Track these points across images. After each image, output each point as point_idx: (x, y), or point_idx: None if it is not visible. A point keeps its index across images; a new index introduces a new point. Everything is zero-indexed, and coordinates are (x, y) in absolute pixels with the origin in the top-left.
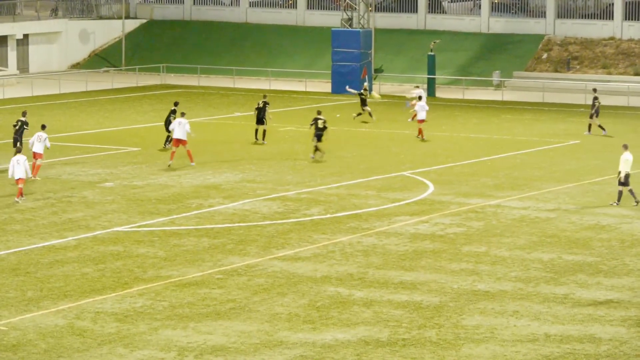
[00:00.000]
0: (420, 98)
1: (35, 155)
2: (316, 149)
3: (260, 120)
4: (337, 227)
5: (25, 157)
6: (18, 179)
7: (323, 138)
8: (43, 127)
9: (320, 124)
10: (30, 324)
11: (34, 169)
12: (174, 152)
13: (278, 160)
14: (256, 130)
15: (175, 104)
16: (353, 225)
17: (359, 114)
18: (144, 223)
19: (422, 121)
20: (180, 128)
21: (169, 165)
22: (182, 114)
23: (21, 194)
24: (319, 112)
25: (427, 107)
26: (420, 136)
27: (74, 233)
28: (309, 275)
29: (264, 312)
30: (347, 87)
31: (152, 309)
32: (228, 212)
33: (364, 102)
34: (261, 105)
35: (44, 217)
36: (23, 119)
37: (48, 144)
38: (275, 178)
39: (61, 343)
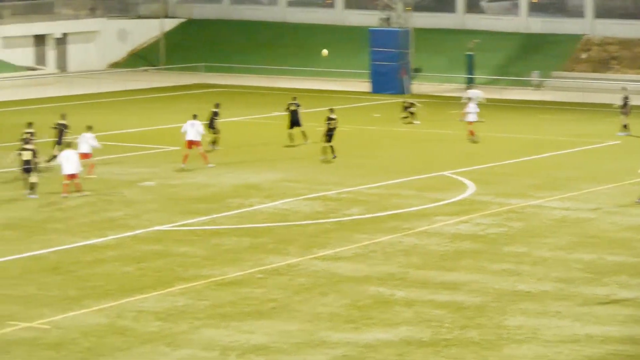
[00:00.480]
0: (470, 99)
1: (83, 157)
2: (325, 150)
3: (296, 122)
4: (377, 226)
5: (75, 152)
6: (69, 175)
7: (333, 139)
8: (89, 127)
9: (332, 125)
10: (72, 322)
11: (89, 168)
12: (187, 155)
13: (317, 160)
14: (289, 133)
15: (217, 106)
16: (393, 225)
17: (406, 117)
18: (185, 222)
19: (471, 122)
20: (192, 129)
21: (182, 168)
22: (194, 116)
23: (78, 190)
24: (331, 111)
25: (477, 109)
26: (472, 137)
27: (114, 232)
28: (350, 275)
29: (306, 311)
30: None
31: (194, 308)
32: (268, 211)
33: (407, 107)
34: (294, 107)
35: (84, 215)
36: (62, 121)
37: (95, 143)
38: (315, 177)
39: (103, 342)
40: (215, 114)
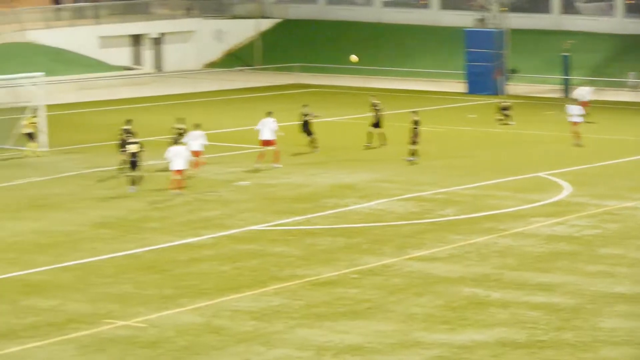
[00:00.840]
0: (575, 100)
1: (194, 154)
2: (413, 152)
3: (376, 123)
4: (472, 227)
5: (185, 148)
6: (177, 170)
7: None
8: (197, 125)
9: (417, 126)
10: (168, 321)
11: (195, 165)
12: (262, 154)
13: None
14: (371, 134)
15: (305, 107)
16: (489, 226)
17: (501, 118)
18: (280, 222)
19: (575, 123)
20: (265, 128)
21: (256, 167)
22: (269, 113)
23: (180, 187)
24: (415, 113)
25: (581, 111)
26: (576, 139)
27: (210, 231)
28: (445, 276)
29: (400, 312)
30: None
31: (289, 308)
32: (363, 211)
33: (502, 108)
34: (380, 107)
35: (180, 215)
36: (181, 126)
37: (204, 140)
38: (409, 178)
39: (199, 341)
40: (305, 115)
